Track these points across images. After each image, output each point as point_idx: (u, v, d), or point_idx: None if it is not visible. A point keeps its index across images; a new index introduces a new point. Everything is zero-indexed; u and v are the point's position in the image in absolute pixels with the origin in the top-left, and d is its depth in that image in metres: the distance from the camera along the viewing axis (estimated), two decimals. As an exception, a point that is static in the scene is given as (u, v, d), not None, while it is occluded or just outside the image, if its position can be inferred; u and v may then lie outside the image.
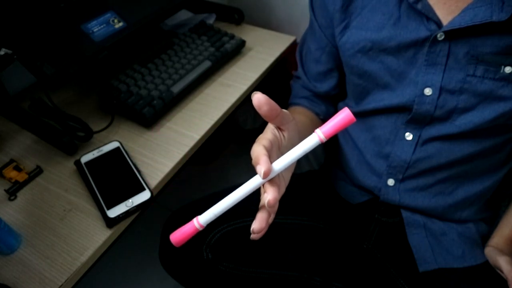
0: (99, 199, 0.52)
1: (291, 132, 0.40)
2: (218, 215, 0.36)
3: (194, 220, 0.36)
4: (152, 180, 0.57)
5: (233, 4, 1.00)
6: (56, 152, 0.61)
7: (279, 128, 0.39)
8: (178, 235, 0.36)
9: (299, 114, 0.68)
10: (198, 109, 0.69)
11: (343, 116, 0.32)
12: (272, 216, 0.37)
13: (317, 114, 0.69)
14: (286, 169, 0.41)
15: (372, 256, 0.64)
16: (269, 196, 0.34)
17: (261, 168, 0.33)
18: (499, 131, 0.54)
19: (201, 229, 0.36)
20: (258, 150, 0.35)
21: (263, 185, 0.36)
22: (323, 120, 0.70)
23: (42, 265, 0.47)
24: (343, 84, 0.68)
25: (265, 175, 0.33)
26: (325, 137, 0.33)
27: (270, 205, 0.34)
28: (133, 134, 0.64)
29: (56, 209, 0.53)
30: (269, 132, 0.38)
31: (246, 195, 0.36)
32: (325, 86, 0.68)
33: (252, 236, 0.36)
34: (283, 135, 0.39)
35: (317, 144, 0.34)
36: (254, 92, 0.34)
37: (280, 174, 0.39)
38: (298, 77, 0.73)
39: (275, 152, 0.38)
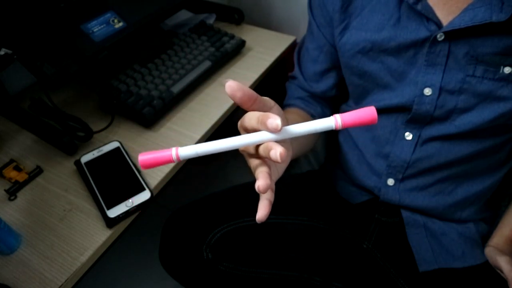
0: (99, 199, 0.52)
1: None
2: (200, 155, 0.33)
3: (174, 149, 0.33)
4: (152, 180, 0.57)
5: (233, 4, 1.00)
6: (56, 152, 0.61)
7: None
8: (150, 158, 0.33)
9: (294, 114, 0.67)
10: (198, 109, 0.69)
11: (367, 110, 0.32)
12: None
13: (312, 115, 0.69)
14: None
15: (372, 256, 0.64)
16: (259, 182, 0.33)
17: (273, 121, 0.31)
18: (498, 131, 0.54)
19: (176, 161, 0.33)
20: (257, 112, 0.33)
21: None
22: None
23: (42, 265, 0.47)
24: (341, 85, 0.68)
25: (277, 128, 0.31)
26: (342, 124, 0.32)
27: (260, 191, 0.33)
28: (133, 134, 0.64)
29: (56, 209, 0.53)
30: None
31: (240, 146, 0.33)
32: (322, 86, 0.68)
33: (258, 215, 0.34)
34: None
35: (330, 128, 0.33)
36: (225, 80, 0.33)
37: (273, 165, 0.39)
38: (294, 77, 0.73)
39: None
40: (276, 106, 0.38)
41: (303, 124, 0.33)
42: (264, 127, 0.32)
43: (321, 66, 0.67)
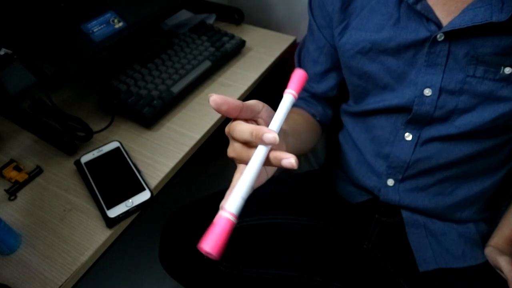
0: (99, 199, 0.52)
1: (268, 118, 0.38)
2: (245, 198, 0.30)
3: (223, 213, 0.28)
4: (152, 180, 0.57)
5: (233, 4, 1.00)
6: (56, 152, 0.61)
7: (253, 120, 0.38)
8: (215, 241, 0.26)
9: (294, 114, 0.67)
10: (198, 109, 0.69)
11: (299, 74, 0.38)
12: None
13: (313, 115, 0.69)
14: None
15: (372, 256, 0.64)
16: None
17: (269, 135, 0.32)
18: (498, 132, 0.54)
19: (235, 221, 0.28)
20: (248, 126, 0.33)
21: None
22: (319, 121, 0.70)
23: (42, 265, 0.47)
24: (342, 85, 0.68)
25: (275, 141, 0.32)
26: (296, 92, 0.37)
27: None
28: (133, 134, 0.64)
29: (56, 209, 0.53)
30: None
31: (261, 166, 0.33)
32: (322, 86, 0.68)
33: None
34: (259, 124, 0.38)
35: (293, 102, 0.37)
36: (210, 95, 0.33)
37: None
38: None
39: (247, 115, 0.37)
40: (265, 108, 0.38)
41: (277, 115, 0.36)
42: (261, 142, 0.32)
43: (321, 66, 0.67)
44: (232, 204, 0.29)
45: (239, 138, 0.34)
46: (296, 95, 0.37)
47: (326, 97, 0.70)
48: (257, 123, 0.38)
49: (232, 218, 0.28)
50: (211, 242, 0.27)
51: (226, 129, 0.36)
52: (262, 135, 0.32)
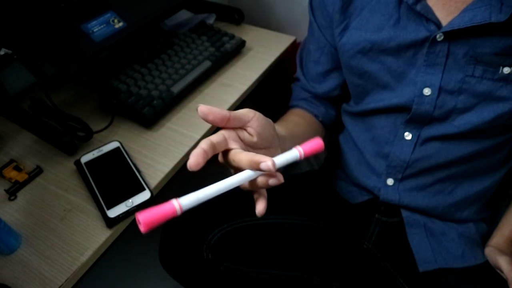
0: (99, 199, 0.52)
1: (259, 127, 0.40)
2: (201, 201, 0.33)
3: (174, 200, 0.31)
4: (152, 180, 0.57)
5: (233, 4, 1.00)
6: (56, 152, 0.61)
7: (243, 128, 0.40)
8: (150, 216, 0.30)
9: (295, 115, 0.68)
10: (198, 109, 0.69)
11: (315, 143, 0.38)
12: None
13: (316, 116, 0.69)
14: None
15: (372, 256, 0.65)
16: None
17: (266, 164, 0.34)
18: (498, 132, 0.54)
19: (179, 213, 0.31)
20: (246, 156, 0.35)
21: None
22: (322, 121, 0.70)
23: (42, 265, 0.47)
24: (344, 85, 0.68)
25: (273, 168, 0.34)
26: (304, 154, 0.38)
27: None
28: (133, 134, 0.64)
29: (56, 209, 0.53)
30: (216, 135, 0.39)
31: (235, 186, 0.36)
32: (324, 87, 0.68)
33: (259, 210, 0.38)
34: (249, 133, 0.40)
35: (297, 158, 0.38)
36: (197, 105, 0.36)
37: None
38: (298, 79, 0.73)
39: (223, 148, 0.39)
40: (257, 116, 0.40)
41: (278, 158, 0.37)
42: (259, 170, 0.34)
43: (323, 67, 0.67)
44: (187, 198, 0.32)
45: (236, 167, 0.37)
46: (303, 156, 0.38)
47: (329, 97, 0.70)
48: (246, 131, 0.40)
49: (178, 208, 0.31)
50: (147, 215, 0.29)
51: (220, 158, 0.39)
52: (259, 164, 0.34)
